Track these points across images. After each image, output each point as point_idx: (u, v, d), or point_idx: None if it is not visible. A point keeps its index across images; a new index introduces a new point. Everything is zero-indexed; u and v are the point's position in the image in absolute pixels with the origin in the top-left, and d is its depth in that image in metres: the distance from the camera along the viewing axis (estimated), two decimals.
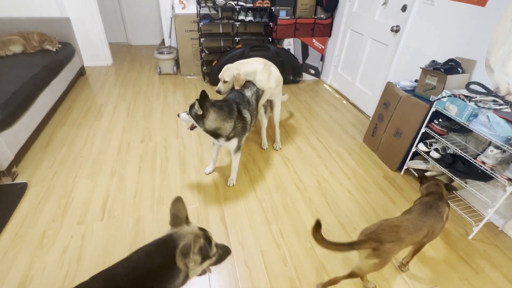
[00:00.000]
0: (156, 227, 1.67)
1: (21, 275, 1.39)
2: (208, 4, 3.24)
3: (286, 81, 3.71)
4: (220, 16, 3.62)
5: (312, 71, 3.89)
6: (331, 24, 3.52)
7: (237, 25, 3.47)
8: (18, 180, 1.93)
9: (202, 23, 3.32)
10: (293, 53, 3.63)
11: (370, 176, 2.19)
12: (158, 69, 3.78)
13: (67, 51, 3.07)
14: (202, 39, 3.44)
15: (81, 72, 3.56)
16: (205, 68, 3.62)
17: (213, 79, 3.48)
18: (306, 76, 3.90)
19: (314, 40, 3.62)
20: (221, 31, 3.73)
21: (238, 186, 2.02)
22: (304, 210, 1.85)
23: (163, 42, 4.17)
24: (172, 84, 3.57)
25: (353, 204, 1.93)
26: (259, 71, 1.94)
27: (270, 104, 2.29)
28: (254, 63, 1.95)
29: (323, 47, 3.70)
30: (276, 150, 2.44)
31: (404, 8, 2.40)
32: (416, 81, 2.22)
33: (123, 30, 4.85)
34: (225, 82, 1.88)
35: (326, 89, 3.68)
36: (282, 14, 3.39)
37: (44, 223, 1.65)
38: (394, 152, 2.21)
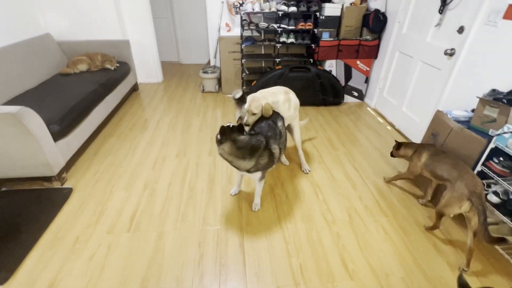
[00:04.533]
0: (176, 244, 1.68)
1: (52, 276, 1.50)
2: (251, 27, 3.35)
3: (326, 103, 3.60)
4: (262, 38, 3.71)
5: (355, 94, 3.71)
6: (377, 46, 3.35)
7: (279, 47, 3.51)
8: (66, 185, 2.14)
9: (244, 45, 3.43)
10: (335, 75, 3.52)
11: (411, 216, 1.95)
12: (202, 87, 3.98)
13: (123, 69, 3.42)
14: (243, 60, 3.54)
15: (134, 88, 3.93)
16: (244, 87, 3.70)
17: None
18: (348, 99, 3.74)
19: (358, 62, 3.47)
20: (263, 52, 3.81)
21: (262, 211, 1.95)
22: (329, 246, 1.70)
23: (209, 61, 4.41)
24: (213, 102, 3.71)
25: (388, 246, 1.71)
26: (281, 102, 1.93)
27: (289, 128, 2.24)
28: (278, 94, 1.93)
29: (368, 69, 3.52)
30: (306, 173, 2.33)
31: (461, 30, 2.17)
32: (472, 111, 1.95)
33: (175, 50, 5.27)
34: (253, 114, 1.81)
35: (370, 113, 3.47)
36: (325, 36, 3.34)
37: (80, 229, 1.78)
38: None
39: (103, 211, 1.92)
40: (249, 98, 1.82)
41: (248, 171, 1.70)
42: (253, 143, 1.61)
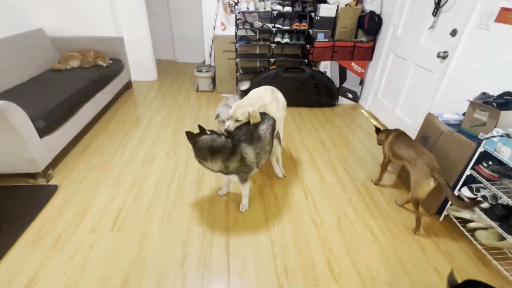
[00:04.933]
0: (160, 244, 1.65)
1: (30, 275, 1.46)
2: (246, 27, 3.33)
3: (320, 104, 3.58)
4: (257, 37, 3.69)
5: (350, 95, 3.70)
6: (372, 48, 3.33)
7: (273, 47, 3.49)
8: (52, 182, 2.10)
9: (238, 44, 3.40)
10: (329, 76, 3.50)
11: (401, 219, 1.93)
12: (196, 86, 3.95)
13: (116, 66, 3.38)
14: (237, 59, 3.52)
15: (128, 86, 3.89)
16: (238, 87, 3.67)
17: None
18: (343, 100, 3.72)
19: (353, 64, 3.45)
20: (257, 52, 3.79)
21: (249, 212, 1.93)
22: (316, 248, 1.67)
23: (205, 60, 4.38)
24: (207, 101, 3.68)
25: (376, 249, 1.69)
26: (268, 102, 1.88)
27: None
28: (264, 96, 1.88)
29: (362, 71, 3.51)
30: (280, 177, 2.27)
31: (453, 33, 2.15)
32: (463, 114, 1.93)
33: (172, 48, 5.24)
34: (237, 121, 1.74)
35: (363, 115, 3.45)
36: (320, 37, 3.32)
37: (62, 227, 1.74)
38: (433, 194, 1.91)
39: (88, 210, 1.88)
40: (235, 105, 1.75)
41: (221, 172, 1.69)
42: (213, 144, 1.62)
